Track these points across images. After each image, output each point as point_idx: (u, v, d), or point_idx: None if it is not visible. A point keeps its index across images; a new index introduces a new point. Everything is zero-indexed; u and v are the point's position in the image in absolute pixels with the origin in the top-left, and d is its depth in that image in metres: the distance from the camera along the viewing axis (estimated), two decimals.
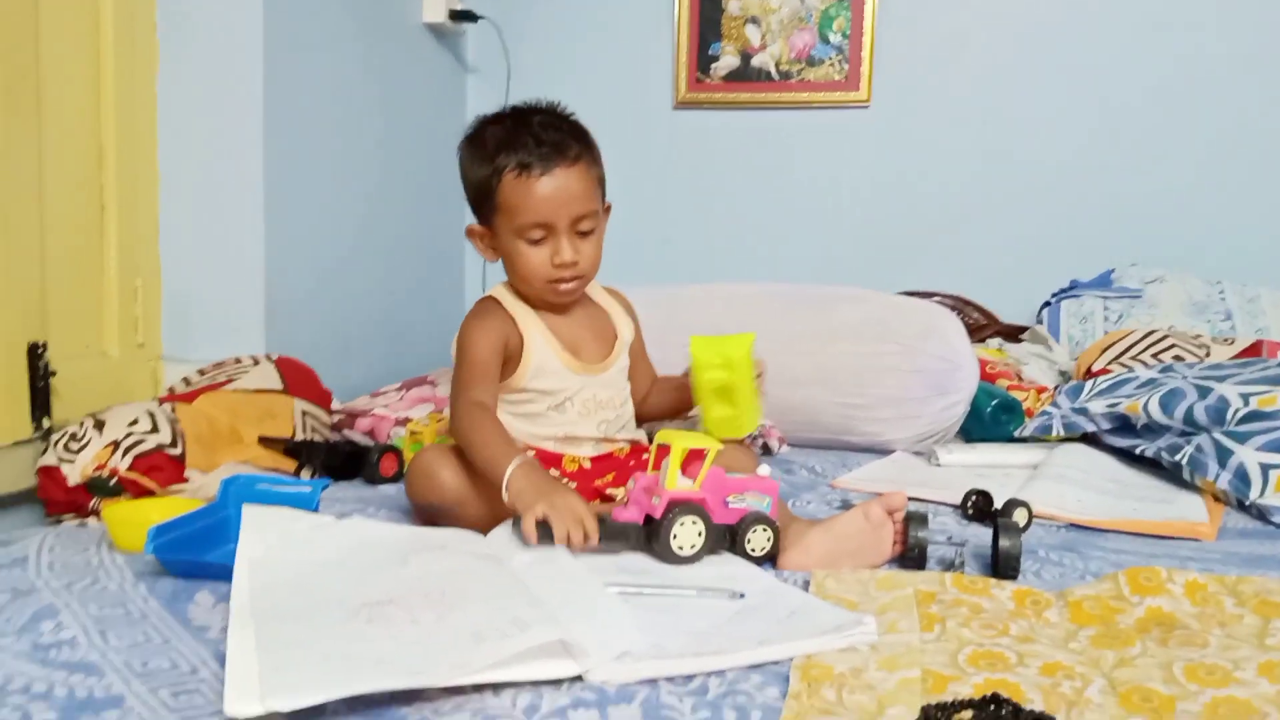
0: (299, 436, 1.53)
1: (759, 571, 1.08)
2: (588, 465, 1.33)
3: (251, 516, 1.08)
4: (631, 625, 0.86)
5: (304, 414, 1.57)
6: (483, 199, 1.29)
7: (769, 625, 0.90)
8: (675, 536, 1.09)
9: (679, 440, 1.13)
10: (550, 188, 1.25)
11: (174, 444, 1.35)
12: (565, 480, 1.29)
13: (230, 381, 1.55)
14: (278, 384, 1.57)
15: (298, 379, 1.61)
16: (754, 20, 2.67)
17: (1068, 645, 0.89)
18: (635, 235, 2.58)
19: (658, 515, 1.10)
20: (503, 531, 1.14)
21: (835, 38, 2.62)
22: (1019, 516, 1.31)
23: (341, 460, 1.49)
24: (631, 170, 2.77)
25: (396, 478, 1.50)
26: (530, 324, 1.32)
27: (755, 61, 2.67)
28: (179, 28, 1.87)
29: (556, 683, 0.79)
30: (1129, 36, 2.44)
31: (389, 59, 2.39)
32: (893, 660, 0.84)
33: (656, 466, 1.17)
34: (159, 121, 1.87)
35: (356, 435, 1.66)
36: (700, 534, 1.10)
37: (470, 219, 1.36)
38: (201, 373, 1.63)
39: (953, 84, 2.56)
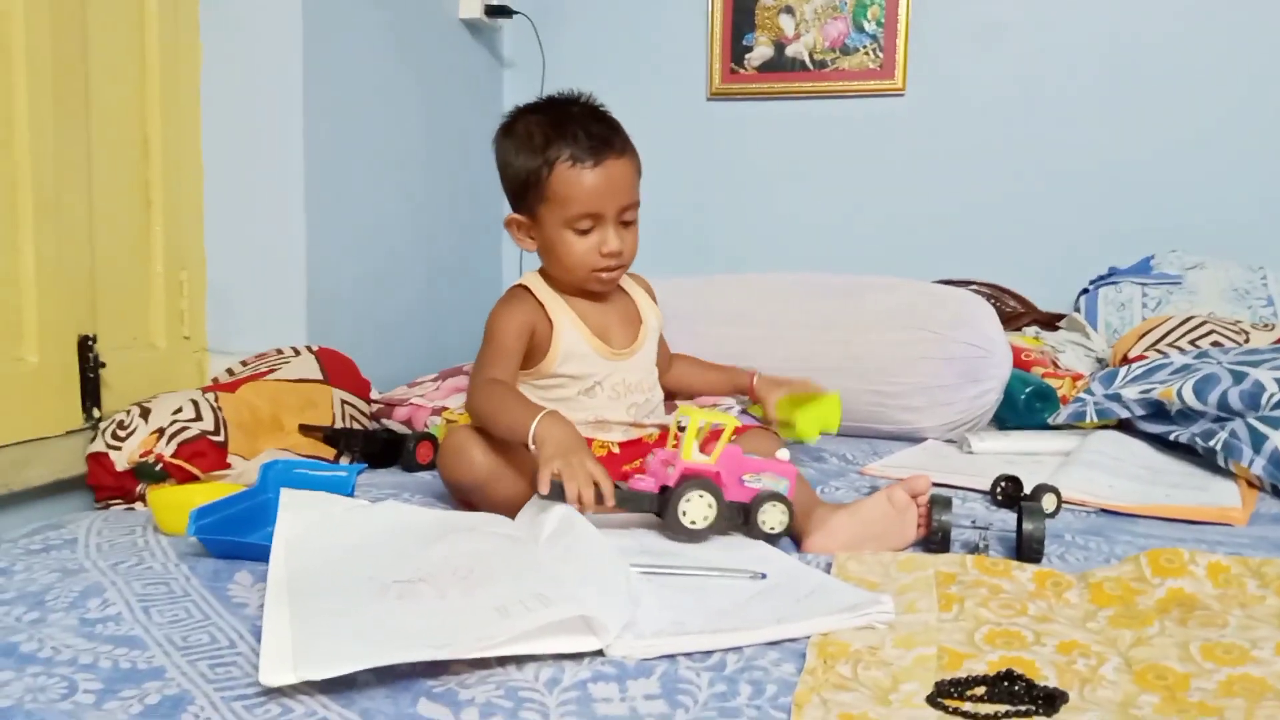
0: (338, 424, 1.57)
1: (781, 554, 1.10)
2: (616, 450, 1.35)
3: (289, 499, 1.12)
4: (652, 602, 0.88)
5: (343, 403, 1.60)
6: (527, 189, 1.31)
7: (788, 604, 0.91)
8: (685, 513, 1.09)
9: (698, 416, 1.14)
10: (601, 179, 1.28)
11: (217, 431, 1.39)
12: None
13: (272, 371, 1.59)
14: (318, 374, 1.61)
15: (337, 369, 1.65)
16: (788, 10, 2.67)
17: (1085, 625, 0.89)
18: (670, 226, 2.59)
19: (672, 484, 1.11)
20: (529, 513, 1.17)
21: (870, 26, 2.62)
22: (1048, 502, 1.31)
23: (379, 447, 1.52)
24: (666, 162, 2.77)
25: (432, 464, 1.53)
26: (559, 310, 1.35)
27: (789, 51, 2.68)
28: (221, 24, 1.92)
29: (578, 657, 0.81)
30: (1168, 22, 2.40)
31: (426, 54, 2.42)
32: (909, 638, 0.85)
33: (677, 443, 1.19)
34: (202, 117, 1.92)
35: (394, 424, 1.70)
36: (710, 507, 1.10)
37: (506, 208, 1.39)
38: (244, 363, 1.68)
39: (988, 72, 2.54)
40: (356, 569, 0.98)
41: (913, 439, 1.81)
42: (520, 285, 1.38)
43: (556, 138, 1.27)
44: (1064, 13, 2.48)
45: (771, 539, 1.14)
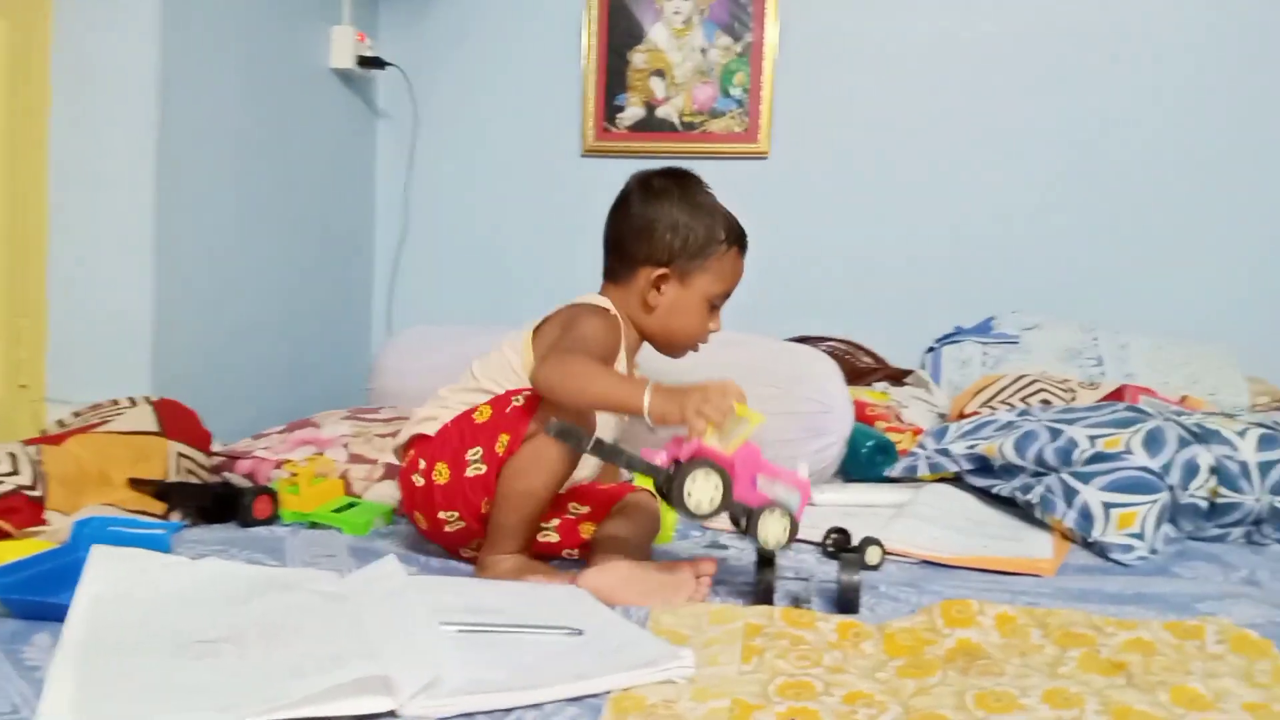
0: (172, 478, 1.53)
1: (604, 608, 1.11)
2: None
3: (99, 556, 1.09)
4: (452, 660, 0.88)
5: (179, 456, 1.57)
6: (691, 254, 1.40)
7: (593, 659, 0.93)
8: (690, 493, 1.05)
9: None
10: (741, 272, 1.46)
11: (34, 486, 1.35)
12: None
13: (104, 423, 1.55)
14: (153, 426, 1.57)
15: (175, 421, 1.62)
16: (658, 73, 2.75)
17: (875, 675, 0.93)
18: (542, 278, 2.63)
19: (683, 458, 1.08)
20: (365, 572, 1.16)
21: (736, 92, 2.71)
22: (872, 554, 1.36)
23: (213, 502, 1.49)
24: (541, 214, 2.82)
25: (270, 520, 1.50)
26: (620, 356, 1.39)
27: (659, 113, 2.75)
28: (72, 70, 1.88)
29: (372, 718, 0.81)
30: (1013, 98, 2.56)
31: (297, 103, 2.42)
32: (705, 691, 0.88)
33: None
34: (49, 163, 1.88)
35: (236, 477, 1.67)
36: (717, 489, 1.06)
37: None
38: (76, 415, 1.63)
39: (847, 139, 2.66)
40: (160, 627, 0.97)
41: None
42: (616, 317, 1.40)
43: (730, 221, 1.43)
44: (916, 85, 2.61)
45: (767, 552, 1.13)
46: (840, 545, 1.44)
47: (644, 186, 1.44)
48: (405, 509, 1.38)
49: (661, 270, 1.40)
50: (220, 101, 2.10)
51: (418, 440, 1.36)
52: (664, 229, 1.40)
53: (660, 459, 1.12)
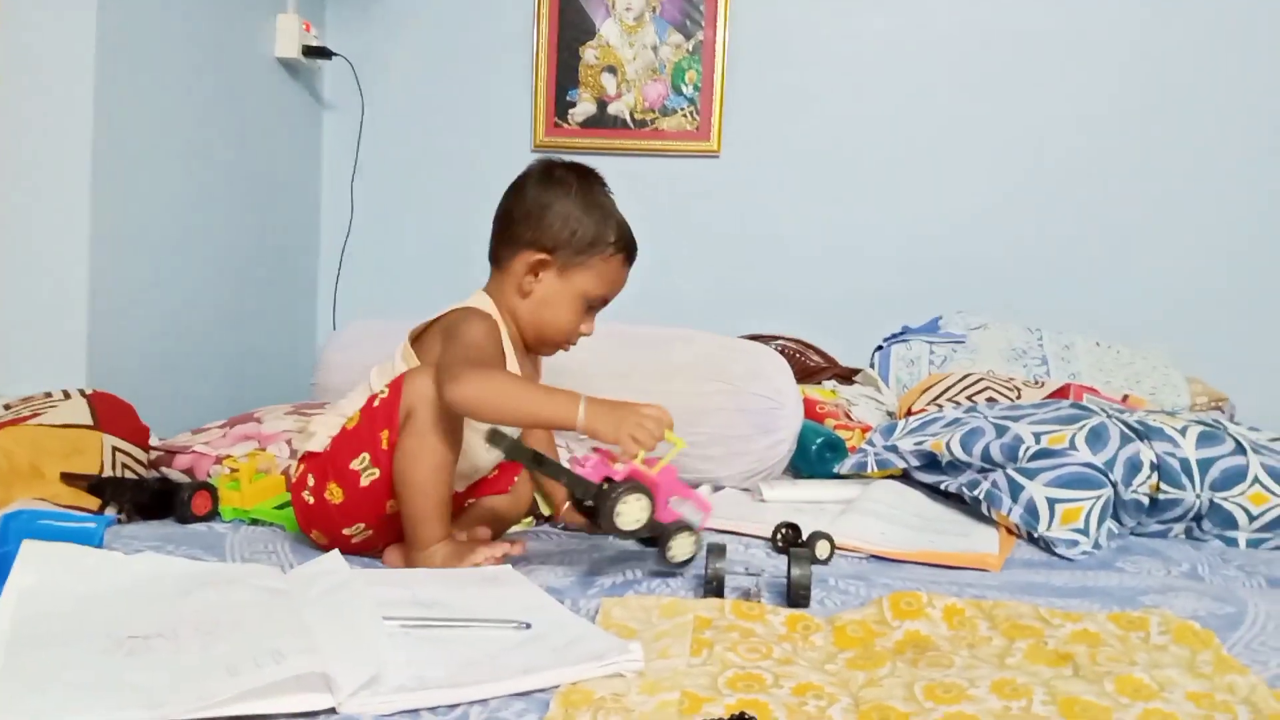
0: (106, 473, 1.48)
1: (553, 603, 1.10)
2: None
3: (30, 550, 1.05)
4: (395, 656, 0.86)
5: (115, 450, 1.52)
6: (574, 248, 1.37)
7: (541, 654, 0.91)
8: (620, 513, 1.14)
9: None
10: (623, 282, 1.44)
11: None
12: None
13: (35, 416, 1.50)
14: (88, 419, 1.52)
15: (111, 414, 1.57)
16: (610, 69, 2.74)
17: (824, 667, 0.93)
18: (488, 270, 2.59)
19: (618, 478, 1.16)
20: (308, 568, 1.13)
21: (687, 89, 2.71)
22: (821, 549, 1.37)
23: (150, 498, 1.45)
24: (488, 209, 2.78)
25: (209, 516, 1.46)
26: (509, 354, 1.37)
27: (611, 109, 2.75)
28: (6, 53, 1.82)
29: (311, 715, 0.79)
30: (961, 100, 2.60)
31: (240, 92, 2.37)
32: (655, 684, 0.87)
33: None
34: None
35: (174, 473, 1.62)
36: (644, 512, 1.15)
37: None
38: (7, 407, 1.57)
39: (797, 137, 2.67)
40: (93, 621, 0.93)
41: (712, 487, 1.85)
42: (493, 320, 1.36)
43: (623, 226, 1.41)
44: (867, 86, 2.64)
45: (673, 566, 1.20)
46: (790, 540, 1.44)
47: (544, 173, 1.42)
48: (302, 527, 1.36)
49: (542, 255, 1.37)
50: (161, 90, 2.05)
51: (306, 455, 1.35)
52: (554, 217, 1.37)
53: (586, 471, 1.18)
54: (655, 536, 1.21)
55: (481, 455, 1.39)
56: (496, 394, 1.21)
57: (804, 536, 1.42)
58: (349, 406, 1.36)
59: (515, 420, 1.25)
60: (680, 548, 1.19)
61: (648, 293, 2.71)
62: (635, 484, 1.15)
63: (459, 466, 1.31)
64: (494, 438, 1.18)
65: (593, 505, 1.17)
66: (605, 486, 1.16)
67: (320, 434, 1.33)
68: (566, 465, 1.20)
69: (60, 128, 1.84)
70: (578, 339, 1.44)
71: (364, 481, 1.27)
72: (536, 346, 1.44)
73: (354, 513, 1.29)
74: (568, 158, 1.47)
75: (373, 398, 1.30)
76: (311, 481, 1.31)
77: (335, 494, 1.28)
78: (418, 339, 1.38)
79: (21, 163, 1.83)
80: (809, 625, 1.02)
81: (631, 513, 1.14)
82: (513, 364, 1.37)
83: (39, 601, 0.96)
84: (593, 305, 1.42)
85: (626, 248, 1.42)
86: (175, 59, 2.10)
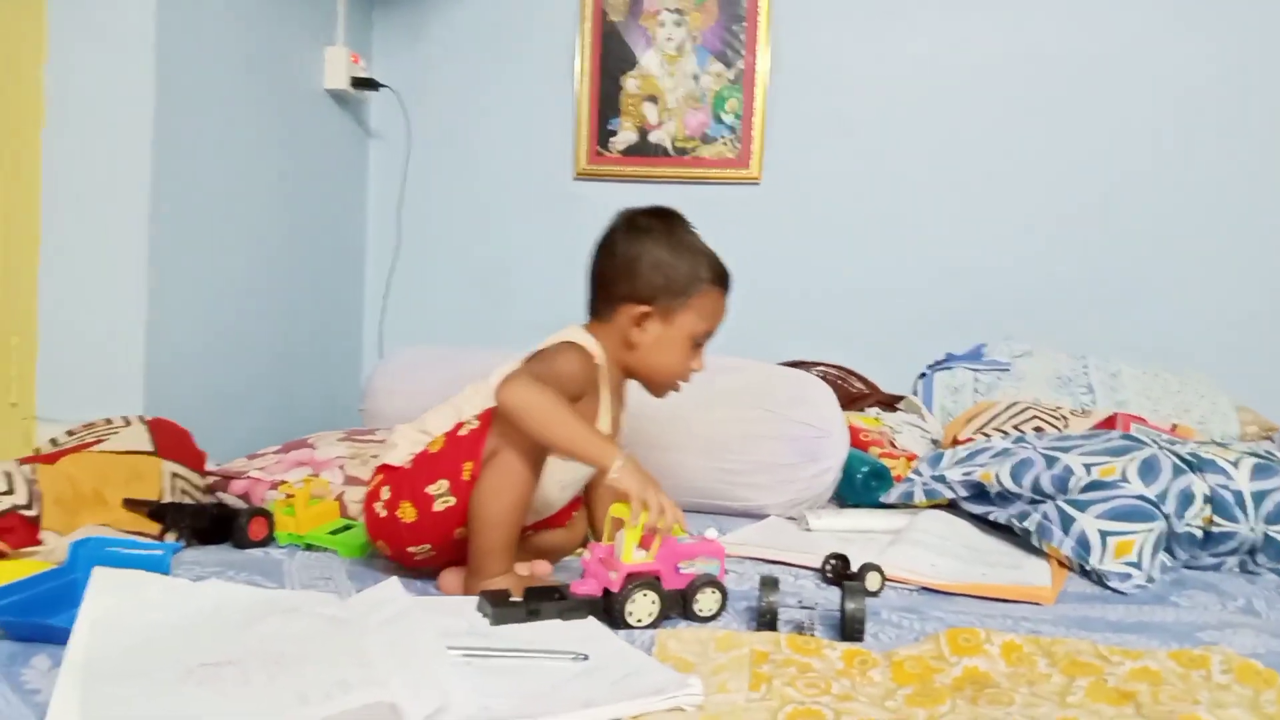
0: (166, 498, 1.51)
1: (609, 634, 1.11)
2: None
3: (100, 578, 1.08)
4: (460, 686, 0.88)
5: (174, 476, 1.55)
6: (674, 291, 1.39)
7: (601, 687, 0.92)
8: (631, 613, 1.16)
9: (633, 514, 1.20)
10: (724, 312, 1.47)
11: (30, 505, 1.33)
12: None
13: (98, 442, 1.53)
14: (147, 445, 1.56)
15: (169, 440, 1.60)
16: (651, 99, 2.76)
17: (884, 703, 0.93)
18: (538, 299, 2.62)
19: (615, 589, 1.16)
20: (367, 596, 1.15)
21: (728, 118, 2.73)
22: (872, 580, 1.36)
23: (209, 523, 1.47)
24: (532, 237, 2.83)
25: (265, 541, 1.49)
26: (603, 391, 1.40)
27: (652, 138, 2.77)
28: (66, 87, 1.88)
29: None
30: (1007, 125, 2.59)
31: (290, 124, 2.42)
32: (715, 718, 0.87)
33: (611, 537, 1.25)
34: (42, 178, 1.87)
35: (230, 498, 1.65)
36: (654, 604, 1.17)
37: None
38: (70, 433, 1.61)
39: (837, 164, 2.68)
40: (163, 651, 0.95)
41: (757, 515, 1.85)
42: (590, 355, 1.38)
43: (712, 259, 1.44)
44: (907, 114, 2.64)
45: (704, 620, 1.20)
46: (839, 571, 1.43)
47: (629, 224, 1.44)
48: (369, 534, 1.38)
49: (644, 308, 1.39)
50: (214, 122, 2.10)
51: (384, 466, 1.37)
52: (646, 266, 1.39)
53: (589, 588, 1.20)
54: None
55: (554, 494, 1.41)
56: (546, 412, 1.24)
57: (853, 568, 1.42)
58: (433, 423, 1.37)
59: (553, 440, 1.25)
60: (706, 603, 1.21)
61: None
62: (638, 584, 1.17)
63: (532, 503, 1.33)
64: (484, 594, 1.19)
65: (605, 612, 1.18)
66: (605, 599, 1.18)
67: (402, 447, 1.36)
68: (565, 589, 1.21)
69: (118, 158, 1.89)
70: (690, 376, 1.46)
71: (438, 506, 1.29)
72: (656, 391, 1.47)
73: (423, 534, 1.31)
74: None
75: (459, 425, 1.32)
76: (386, 495, 1.33)
77: (408, 513, 1.30)
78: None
79: (80, 192, 1.88)
80: (866, 660, 1.02)
81: (643, 609, 1.16)
82: (605, 405, 1.40)
83: (111, 631, 0.98)
84: (699, 341, 1.44)
85: (721, 279, 1.44)
86: (228, 91, 2.15)
